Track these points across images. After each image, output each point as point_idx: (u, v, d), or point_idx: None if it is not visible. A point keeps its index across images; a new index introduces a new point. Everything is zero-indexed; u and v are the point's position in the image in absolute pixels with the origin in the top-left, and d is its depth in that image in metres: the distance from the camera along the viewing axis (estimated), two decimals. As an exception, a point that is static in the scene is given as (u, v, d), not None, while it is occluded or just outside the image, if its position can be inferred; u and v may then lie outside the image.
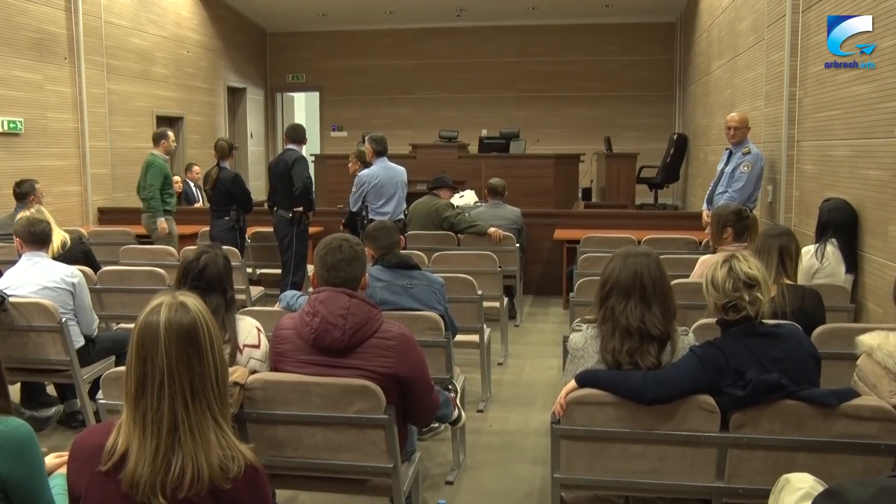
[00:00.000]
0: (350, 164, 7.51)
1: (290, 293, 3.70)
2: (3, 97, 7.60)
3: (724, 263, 2.53)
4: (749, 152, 5.97)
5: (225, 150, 6.96)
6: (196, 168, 10.04)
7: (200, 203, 9.73)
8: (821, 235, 4.55)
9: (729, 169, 6.09)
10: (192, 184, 9.93)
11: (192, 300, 1.75)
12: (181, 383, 1.66)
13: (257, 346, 2.82)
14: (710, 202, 6.30)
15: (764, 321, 2.53)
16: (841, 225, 4.49)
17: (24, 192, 5.91)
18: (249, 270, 7.04)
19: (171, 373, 1.66)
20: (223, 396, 1.73)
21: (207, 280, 2.74)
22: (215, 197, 6.87)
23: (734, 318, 2.49)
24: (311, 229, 7.70)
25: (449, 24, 14.04)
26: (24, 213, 4.69)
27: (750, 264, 2.53)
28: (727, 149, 6.26)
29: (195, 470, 1.64)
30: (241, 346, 2.78)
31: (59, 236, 4.67)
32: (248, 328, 2.85)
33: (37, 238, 4.16)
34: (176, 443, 1.65)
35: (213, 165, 7.09)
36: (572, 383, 2.53)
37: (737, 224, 4.28)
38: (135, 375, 1.68)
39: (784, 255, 3.55)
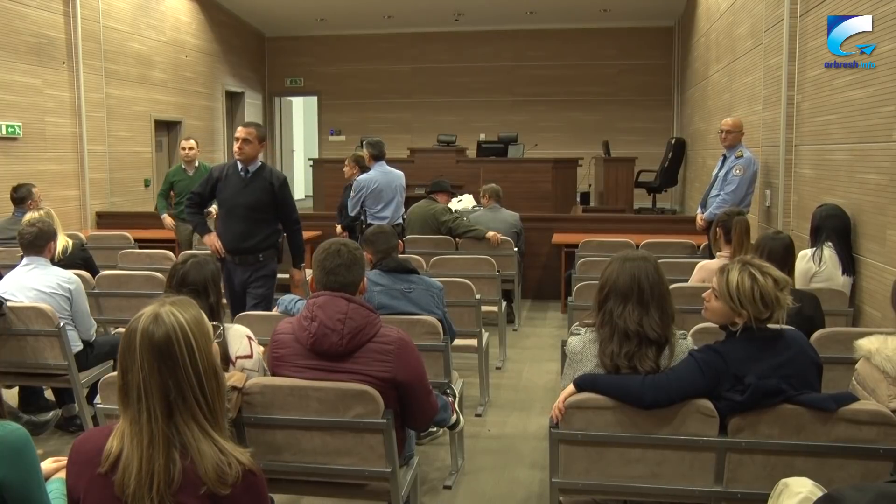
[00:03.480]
0: (346, 168, 7.47)
1: (288, 297, 3.70)
2: (1, 101, 7.61)
3: (765, 275, 2.44)
4: (742, 156, 6.05)
5: None
6: None
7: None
8: (816, 240, 4.55)
9: (722, 173, 6.15)
10: None
11: (169, 309, 1.69)
12: (155, 397, 1.64)
13: (249, 356, 2.82)
14: (703, 205, 6.35)
15: (767, 326, 2.52)
16: (834, 230, 4.50)
17: (21, 197, 5.90)
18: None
19: (145, 387, 1.64)
20: (212, 405, 1.69)
21: (191, 286, 2.76)
22: None
23: (760, 327, 2.45)
24: (309, 234, 7.73)
25: (447, 28, 14.07)
26: (31, 214, 4.68)
27: (772, 267, 2.52)
28: (723, 153, 6.29)
29: (192, 477, 1.63)
30: (234, 358, 2.77)
31: (61, 241, 4.66)
32: (238, 338, 2.84)
33: (25, 243, 4.13)
34: (154, 457, 1.63)
35: None
36: (571, 388, 2.53)
37: (726, 223, 4.31)
38: (118, 385, 1.68)
39: (790, 259, 3.57)
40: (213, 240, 5.05)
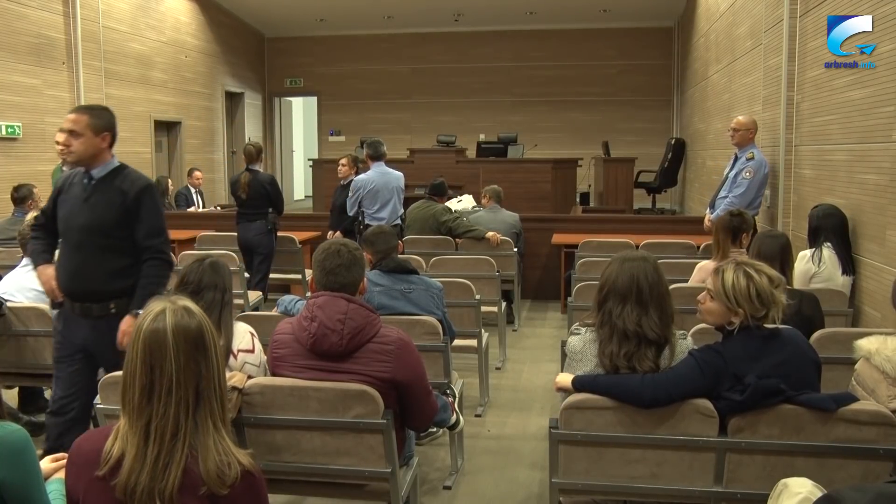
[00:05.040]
0: (342, 168, 7.41)
1: (287, 297, 3.70)
2: (1, 102, 7.61)
3: (759, 273, 2.47)
4: (752, 158, 5.93)
5: (253, 155, 6.92)
6: (197, 174, 10.02)
7: (196, 208, 9.71)
8: (814, 241, 4.55)
9: (732, 174, 6.04)
10: (192, 189, 9.91)
11: (192, 304, 1.76)
12: (187, 388, 1.67)
13: (251, 351, 2.83)
14: (712, 206, 6.29)
15: (764, 325, 2.53)
16: (833, 230, 4.50)
17: (21, 197, 5.90)
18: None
19: (178, 378, 1.66)
20: (223, 400, 1.74)
21: (207, 282, 2.77)
22: (251, 200, 6.70)
23: (758, 325, 2.46)
24: (309, 234, 7.71)
25: (447, 28, 14.08)
26: (32, 215, 4.68)
27: (766, 266, 2.53)
28: (735, 153, 6.23)
29: (193, 476, 1.64)
30: (235, 351, 2.79)
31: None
32: (241, 333, 2.86)
33: (26, 243, 4.12)
34: (176, 449, 1.65)
35: (242, 171, 6.89)
36: (568, 376, 2.54)
37: (729, 223, 4.28)
38: (140, 384, 1.67)
39: (785, 258, 3.57)
40: (47, 276, 3.36)
